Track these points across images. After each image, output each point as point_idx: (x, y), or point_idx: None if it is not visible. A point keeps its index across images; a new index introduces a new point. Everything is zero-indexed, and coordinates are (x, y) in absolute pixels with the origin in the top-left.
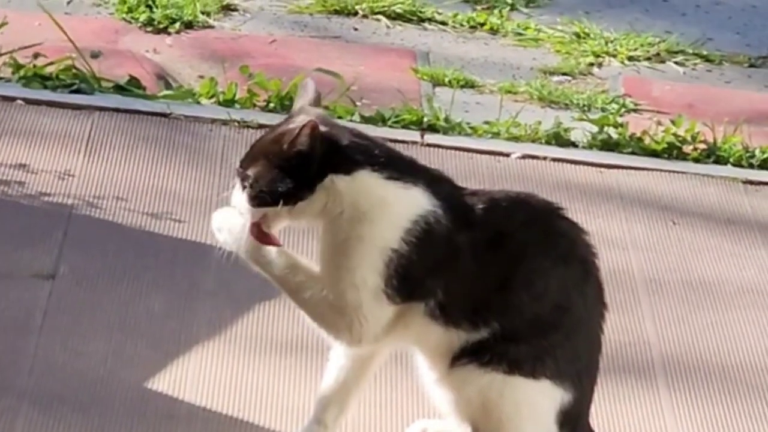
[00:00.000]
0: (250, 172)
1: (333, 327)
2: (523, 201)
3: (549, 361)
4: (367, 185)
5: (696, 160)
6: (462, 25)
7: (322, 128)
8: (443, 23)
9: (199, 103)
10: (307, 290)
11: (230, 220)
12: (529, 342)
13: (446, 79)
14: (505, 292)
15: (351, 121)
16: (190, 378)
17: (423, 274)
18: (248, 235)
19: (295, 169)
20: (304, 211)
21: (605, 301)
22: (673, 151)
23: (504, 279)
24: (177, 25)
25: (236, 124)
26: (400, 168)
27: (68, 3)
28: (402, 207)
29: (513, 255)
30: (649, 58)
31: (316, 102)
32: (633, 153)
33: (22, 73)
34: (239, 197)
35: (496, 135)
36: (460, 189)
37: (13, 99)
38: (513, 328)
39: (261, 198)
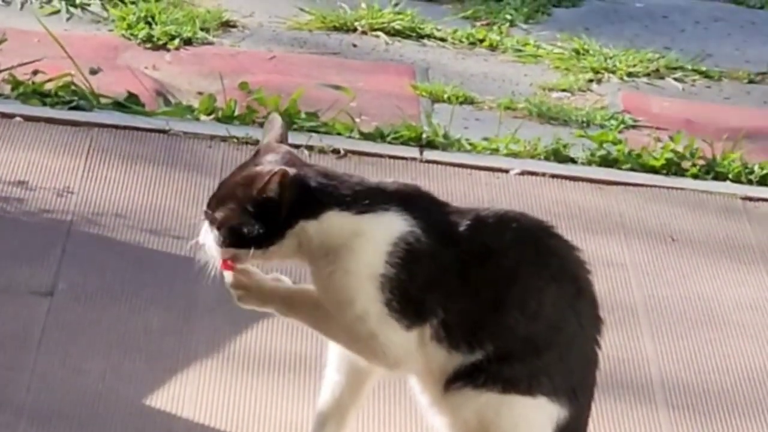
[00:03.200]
0: (218, 214)
1: (365, 355)
2: (512, 219)
3: (544, 379)
4: (336, 224)
5: (695, 177)
6: (461, 41)
7: (291, 171)
8: (442, 39)
9: (198, 119)
10: (332, 326)
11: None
12: (523, 361)
13: (445, 96)
14: (498, 313)
15: (350, 137)
16: (189, 394)
17: (420, 292)
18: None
19: (264, 214)
20: (275, 253)
21: (600, 316)
22: (672, 168)
23: (497, 299)
24: (176, 41)
25: (235, 140)
26: (369, 198)
27: (67, 20)
28: (378, 233)
29: (504, 274)
30: (648, 75)
31: (283, 137)
32: (632, 169)
33: (20, 89)
34: (208, 238)
35: (495, 151)
36: (442, 206)
37: (11, 116)
38: (507, 349)
39: (230, 241)
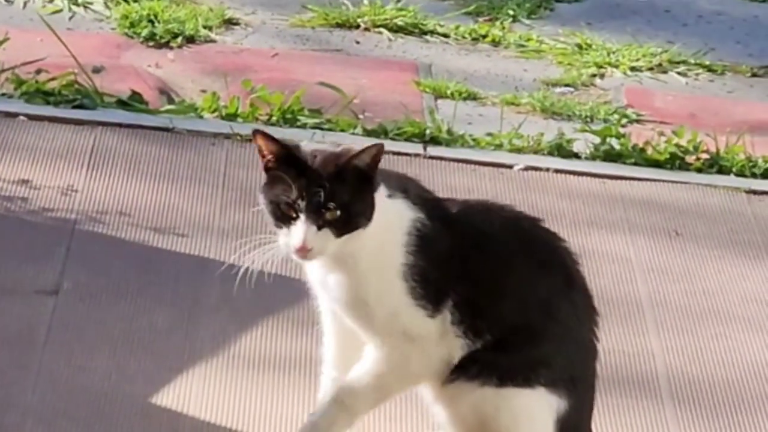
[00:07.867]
0: (334, 204)
1: (409, 370)
2: (499, 208)
3: (541, 369)
4: (378, 202)
5: (699, 171)
6: (464, 37)
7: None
8: (445, 35)
9: (201, 117)
10: (380, 373)
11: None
12: (520, 351)
13: (448, 92)
14: (493, 301)
15: (353, 134)
16: (194, 393)
17: (435, 275)
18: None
19: (364, 187)
20: (373, 227)
21: (595, 307)
22: (675, 162)
23: (491, 286)
24: (179, 39)
25: (239, 138)
26: (386, 180)
27: (70, 19)
28: (397, 221)
29: (496, 261)
30: (651, 69)
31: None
32: (636, 164)
33: (24, 88)
34: (317, 238)
35: (498, 147)
36: (431, 193)
37: (15, 115)
38: (501, 338)
39: (354, 221)
